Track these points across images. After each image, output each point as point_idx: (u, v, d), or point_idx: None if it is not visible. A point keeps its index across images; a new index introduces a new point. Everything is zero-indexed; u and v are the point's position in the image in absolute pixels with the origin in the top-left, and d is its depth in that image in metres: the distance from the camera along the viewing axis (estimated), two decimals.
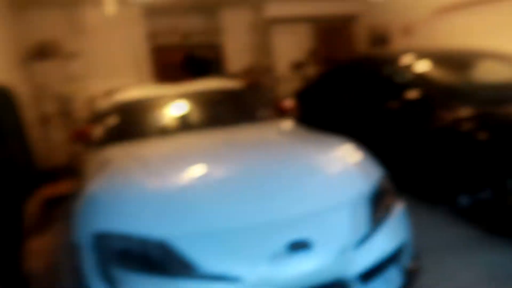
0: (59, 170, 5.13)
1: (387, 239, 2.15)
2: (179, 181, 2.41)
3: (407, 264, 2.29)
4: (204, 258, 1.88)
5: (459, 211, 3.46)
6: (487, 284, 2.56)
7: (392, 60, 4.42)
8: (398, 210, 2.35)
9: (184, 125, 3.48)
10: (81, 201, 2.32)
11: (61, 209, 4.57)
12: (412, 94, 3.80)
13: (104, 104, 4.07)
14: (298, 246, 1.92)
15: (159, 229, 1.97)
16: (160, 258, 1.92)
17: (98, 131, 3.56)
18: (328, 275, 1.91)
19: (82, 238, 2.09)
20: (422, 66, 4.04)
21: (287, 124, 3.51)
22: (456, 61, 4.36)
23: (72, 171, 5.05)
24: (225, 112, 3.80)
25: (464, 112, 3.40)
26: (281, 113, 3.93)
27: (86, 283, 2.05)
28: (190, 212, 2.07)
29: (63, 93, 5.98)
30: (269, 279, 1.84)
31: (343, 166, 2.51)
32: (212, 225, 2.00)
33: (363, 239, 2.06)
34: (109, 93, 5.27)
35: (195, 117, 3.63)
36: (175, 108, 3.67)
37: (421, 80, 3.90)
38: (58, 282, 3.02)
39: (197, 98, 3.81)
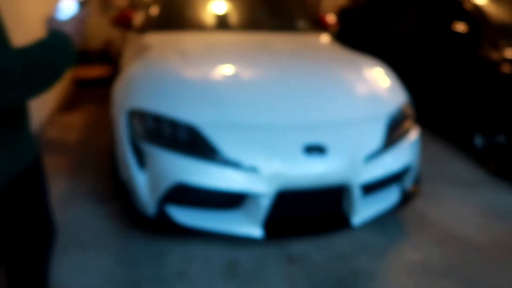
0: (93, 54, 5.29)
1: (395, 159, 2.31)
2: (213, 74, 2.56)
3: (408, 186, 2.48)
4: (227, 146, 2.07)
5: (473, 151, 3.58)
6: (477, 217, 2.76)
7: None
8: (412, 136, 2.48)
9: (227, 23, 3.52)
10: (120, 80, 2.50)
11: (92, 91, 4.82)
12: (461, 26, 3.68)
13: None
14: (313, 149, 2.10)
15: (189, 114, 2.16)
16: (187, 140, 2.12)
17: (140, 17, 3.62)
18: (335, 180, 2.11)
19: (119, 114, 2.31)
20: None
21: (325, 38, 3.54)
22: None
23: (107, 56, 5.21)
24: (266, 16, 3.80)
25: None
26: (321, 28, 3.90)
27: (119, 155, 2.30)
28: (220, 104, 2.24)
29: None
30: (283, 174, 2.04)
31: (369, 86, 2.61)
32: (238, 119, 2.18)
33: (373, 155, 2.22)
34: None
35: (238, 17, 3.65)
36: (220, 4, 3.67)
37: (474, 13, 3.72)
38: (87, 154, 3.33)
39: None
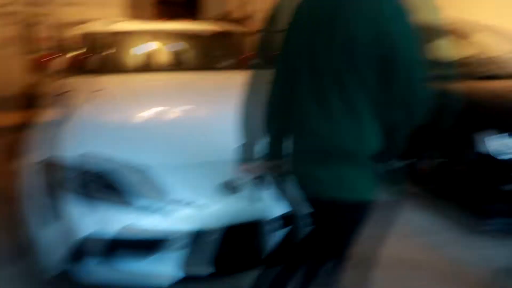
0: (10, 99, 4.89)
1: None
2: (132, 117, 2.54)
3: None
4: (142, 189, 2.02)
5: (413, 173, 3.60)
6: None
7: None
8: None
9: (153, 65, 3.51)
10: (34, 128, 2.39)
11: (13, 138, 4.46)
12: None
13: (73, 33, 3.92)
14: (226, 188, 2.09)
15: (105, 158, 2.07)
16: (105, 185, 2.03)
17: (61, 60, 3.52)
18: (247, 216, 2.09)
19: (30, 164, 2.20)
20: None
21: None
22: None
23: (29, 101, 4.83)
24: (192, 56, 3.84)
25: None
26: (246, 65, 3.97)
27: (26, 209, 2.15)
28: (134, 146, 2.20)
29: (27, 15, 5.65)
30: (198, 214, 2.01)
31: None
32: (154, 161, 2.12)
33: None
34: (82, 22, 5.04)
35: (164, 58, 3.65)
36: (145, 46, 3.66)
37: None
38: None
39: (168, 39, 3.82)
